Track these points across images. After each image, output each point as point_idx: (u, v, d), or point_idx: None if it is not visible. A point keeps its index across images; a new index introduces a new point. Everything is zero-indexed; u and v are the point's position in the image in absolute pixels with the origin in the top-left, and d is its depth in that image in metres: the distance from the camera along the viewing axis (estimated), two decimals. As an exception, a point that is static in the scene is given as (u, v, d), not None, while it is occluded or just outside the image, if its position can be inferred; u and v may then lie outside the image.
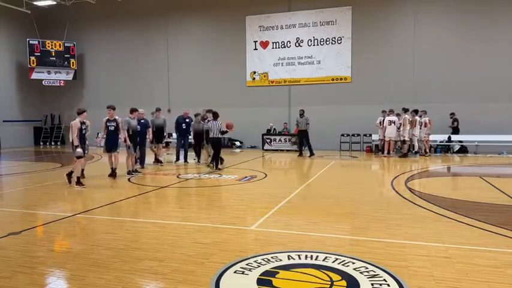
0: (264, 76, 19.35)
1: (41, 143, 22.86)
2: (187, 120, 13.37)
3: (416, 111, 14.96)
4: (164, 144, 14.06)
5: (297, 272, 3.88)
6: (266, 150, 17.88)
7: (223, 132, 11.64)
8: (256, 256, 4.30)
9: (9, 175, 11.68)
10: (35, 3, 20.84)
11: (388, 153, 15.09)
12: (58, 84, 22.13)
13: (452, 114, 16.05)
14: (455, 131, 16.06)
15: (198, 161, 13.15)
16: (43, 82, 21.82)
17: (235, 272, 3.90)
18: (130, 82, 21.34)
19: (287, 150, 17.38)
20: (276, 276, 3.78)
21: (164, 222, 5.82)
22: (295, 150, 16.51)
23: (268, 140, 18.11)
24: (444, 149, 16.30)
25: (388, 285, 3.57)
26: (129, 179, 9.99)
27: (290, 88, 19.10)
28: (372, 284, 3.58)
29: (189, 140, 13.65)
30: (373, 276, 3.76)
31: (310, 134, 15.46)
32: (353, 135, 17.70)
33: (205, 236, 5.10)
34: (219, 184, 9.43)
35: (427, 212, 6.26)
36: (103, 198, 7.75)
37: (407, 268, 3.95)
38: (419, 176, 10.61)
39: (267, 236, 5.15)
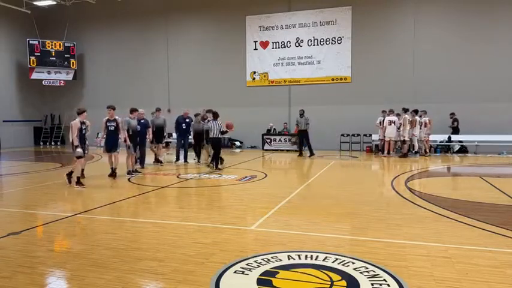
0: (264, 76, 19.35)
1: (41, 143, 22.86)
2: (187, 120, 13.37)
3: (416, 111, 14.97)
4: (164, 144, 14.05)
5: (297, 272, 3.88)
6: (266, 150, 17.88)
7: (223, 132, 11.64)
8: (256, 256, 4.29)
9: (9, 175, 11.68)
10: (35, 3, 20.84)
11: (388, 153, 15.09)
12: (58, 84, 22.14)
13: (452, 114, 16.05)
14: (455, 131, 16.07)
15: (198, 161, 13.15)
16: (43, 82, 21.82)
17: (235, 272, 3.90)
18: (130, 82, 21.34)
19: (287, 150, 17.37)
20: (276, 276, 3.78)
21: (164, 222, 5.82)
22: (295, 150, 16.51)
23: (268, 140, 18.11)
24: (444, 149, 16.30)
25: (388, 285, 3.57)
26: (129, 179, 9.99)
27: (290, 88, 19.10)
28: (372, 284, 3.58)
29: (189, 140, 13.65)
30: (373, 276, 3.76)
31: (310, 134, 15.46)
32: (353, 135, 17.70)
33: (205, 236, 5.10)
34: (219, 184, 9.43)
35: (427, 212, 6.26)
36: (103, 198, 7.75)
37: (407, 268, 3.95)
38: (419, 176, 10.61)
39: (267, 236, 5.15)
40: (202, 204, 7.44)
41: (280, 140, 17.94)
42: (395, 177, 9.96)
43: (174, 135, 14.72)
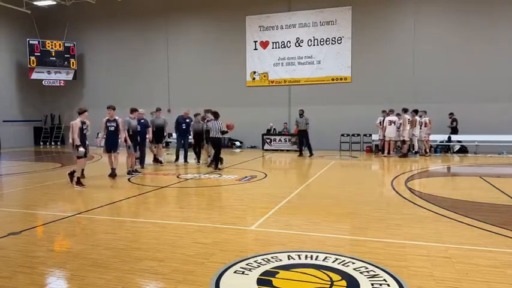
0: (264, 76, 19.35)
1: (41, 143, 22.85)
2: (187, 120, 13.37)
3: (416, 111, 14.96)
4: (164, 144, 14.05)
5: (297, 272, 3.88)
6: (266, 150, 17.88)
7: (223, 132, 11.65)
8: (256, 256, 4.30)
9: (9, 175, 11.68)
10: (35, 3, 20.84)
11: (388, 153, 15.09)
12: (58, 84, 22.14)
13: (451, 114, 16.06)
14: (454, 131, 16.07)
15: (198, 161, 13.14)
16: (43, 82, 21.82)
17: (235, 272, 3.90)
18: (130, 82, 21.35)
19: (287, 150, 17.37)
20: (276, 276, 3.78)
21: (164, 222, 5.82)
22: (295, 150, 16.51)
23: (268, 140, 18.11)
24: (444, 149, 16.30)
25: (388, 285, 3.57)
26: (129, 179, 9.99)
27: (290, 88, 19.10)
28: (372, 284, 3.58)
29: (189, 140, 13.65)
30: (373, 276, 3.76)
31: (310, 134, 15.47)
32: (353, 135, 17.70)
33: (205, 236, 5.10)
34: (219, 184, 9.43)
35: (427, 212, 6.26)
36: (103, 198, 7.76)
37: (407, 268, 3.95)
38: (419, 176, 10.61)
39: (267, 236, 5.15)
40: (202, 204, 7.44)
41: (280, 140, 17.94)
42: (395, 177, 9.96)
43: (174, 135, 14.72)
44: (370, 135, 17.05)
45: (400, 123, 14.76)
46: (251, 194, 8.11)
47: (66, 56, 21.81)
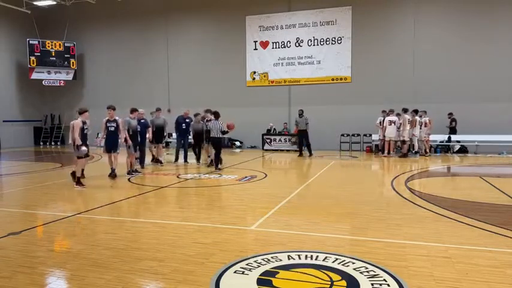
0: (264, 76, 19.35)
1: (41, 143, 22.85)
2: (187, 120, 13.36)
3: (416, 111, 14.96)
4: (164, 144, 14.04)
5: (297, 272, 3.88)
6: (266, 150, 17.88)
7: (224, 132, 11.65)
8: (256, 256, 4.29)
9: (9, 175, 11.68)
10: (35, 3, 20.84)
11: (388, 153, 15.08)
12: (58, 84, 22.14)
13: (450, 114, 16.05)
14: (453, 131, 16.07)
15: (198, 161, 13.14)
16: (43, 82, 21.82)
17: (235, 272, 3.90)
18: (130, 82, 21.35)
19: (287, 150, 17.37)
20: (276, 276, 3.78)
21: (164, 222, 5.82)
22: (295, 150, 16.51)
23: (268, 140, 18.11)
24: (444, 149, 16.30)
25: (388, 285, 3.57)
26: (129, 179, 9.99)
27: (290, 88, 19.10)
28: (372, 284, 3.58)
29: (189, 140, 13.64)
30: (373, 276, 3.76)
31: (310, 134, 15.47)
32: (353, 135, 17.70)
33: (205, 236, 5.10)
34: (219, 184, 9.43)
35: (427, 212, 6.26)
36: (103, 198, 7.75)
37: (407, 268, 3.95)
38: (419, 176, 10.61)
39: (267, 236, 5.15)
40: (202, 204, 7.44)
41: (280, 140, 17.94)
42: (395, 177, 9.96)
43: (174, 135, 14.72)
44: (370, 135, 17.05)
45: (400, 123, 14.76)
46: (251, 194, 8.11)
47: (66, 56, 21.81)
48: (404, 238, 4.92)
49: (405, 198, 7.38)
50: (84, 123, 8.96)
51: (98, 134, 14.02)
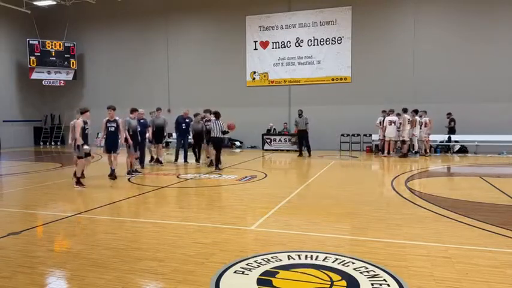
0: (264, 76, 19.35)
1: (41, 143, 22.85)
2: (187, 120, 13.36)
3: (416, 111, 14.97)
4: (164, 144, 14.04)
5: (297, 272, 3.88)
6: (266, 150, 17.88)
7: (224, 132, 11.66)
8: (256, 256, 4.29)
9: (9, 175, 11.68)
10: (35, 3, 20.84)
11: (388, 153, 15.08)
12: (58, 84, 22.14)
13: (449, 114, 16.05)
14: (452, 131, 16.06)
15: (198, 161, 13.14)
16: (43, 82, 21.82)
17: (235, 272, 3.90)
18: (130, 82, 21.35)
19: (287, 150, 17.38)
20: (276, 276, 3.78)
21: (164, 222, 5.82)
22: (295, 150, 16.51)
23: (268, 140, 18.11)
24: (444, 149, 16.30)
25: (388, 285, 3.57)
26: (129, 179, 9.99)
27: (290, 88, 19.10)
28: (372, 284, 3.58)
29: (189, 140, 13.64)
30: (373, 276, 3.76)
31: (310, 134, 15.48)
32: (353, 135, 17.71)
33: (205, 236, 5.10)
34: (219, 184, 9.43)
35: (427, 212, 6.26)
36: (103, 198, 7.75)
37: (407, 268, 3.95)
38: (419, 176, 10.61)
39: (267, 236, 5.15)
40: (202, 204, 7.44)
41: (280, 140, 17.94)
42: (395, 177, 9.96)
43: (174, 135, 14.72)
44: (370, 135, 17.05)
45: (400, 123, 14.76)
46: (251, 194, 8.11)
47: (66, 56, 21.81)
48: (404, 238, 4.92)
49: (405, 198, 7.38)
50: (85, 123, 8.95)
51: (97, 134, 14.02)
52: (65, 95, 22.83)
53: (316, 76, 18.59)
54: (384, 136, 15.20)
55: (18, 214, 6.65)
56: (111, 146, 9.92)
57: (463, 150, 16.09)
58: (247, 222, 5.92)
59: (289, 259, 4.20)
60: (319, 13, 18.38)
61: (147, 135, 11.84)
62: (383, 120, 15.19)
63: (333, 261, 4.11)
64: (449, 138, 16.15)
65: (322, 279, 3.70)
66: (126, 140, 10.33)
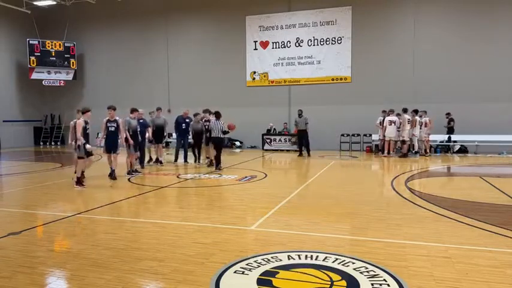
0: (264, 76, 19.35)
1: (41, 143, 22.85)
2: (187, 120, 13.35)
3: (416, 111, 14.97)
4: (164, 144, 14.04)
5: (297, 272, 3.88)
6: (266, 150, 17.88)
7: (225, 132, 11.67)
8: (256, 256, 4.30)
9: (9, 175, 11.68)
10: (35, 3, 20.84)
11: (388, 153, 15.08)
12: (58, 84, 22.14)
13: (448, 114, 16.04)
14: (451, 131, 16.06)
15: (198, 161, 13.14)
16: (43, 82, 21.82)
17: (235, 272, 3.90)
18: (130, 82, 21.34)
19: (287, 150, 17.38)
20: (276, 276, 3.78)
21: (164, 222, 5.82)
22: (295, 150, 16.51)
23: (268, 140, 18.11)
24: (444, 149, 16.30)
25: (388, 285, 3.57)
26: (129, 179, 9.99)
27: (290, 88, 19.10)
28: (372, 284, 3.58)
29: (189, 140, 13.63)
30: (373, 276, 3.76)
31: (310, 134, 15.48)
32: (353, 135, 17.70)
33: (205, 236, 5.10)
34: (219, 184, 9.43)
35: (427, 212, 6.26)
36: (103, 198, 7.75)
37: (407, 268, 3.95)
38: (419, 176, 10.61)
39: (267, 236, 5.15)
40: (202, 204, 7.44)
41: (280, 140, 17.94)
42: (395, 177, 9.96)
43: (174, 135, 14.72)
44: (370, 135, 17.05)
45: (400, 123, 14.76)
46: (251, 194, 8.11)
47: (66, 56, 21.81)
48: (404, 238, 4.92)
49: (405, 198, 7.38)
50: (86, 123, 8.95)
51: (97, 134, 14.01)
52: (65, 95, 22.83)
53: (316, 76, 18.58)
54: (384, 136, 15.20)
55: (18, 214, 6.65)
56: (111, 146, 9.91)
57: (463, 150, 16.09)
58: (247, 222, 5.92)
59: (289, 259, 4.20)
60: (319, 13, 18.38)
61: (147, 135, 11.83)
62: (383, 120, 15.19)
63: (333, 261, 4.11)
64: (449, 138, 16.15)
65: (322, 279, 3.70)
66: (126, 140, 10.33)
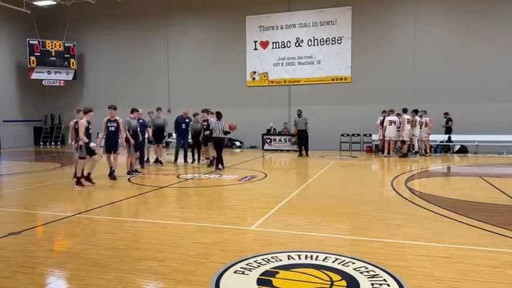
0: (264, 76, 19.35)
1: (41, 143, 22.85)
2: (186, 120, 13.34)
3: (416, 111, 14.97)
4: (164, 144, 14.04)
5: (297, 272, 3.88)
6: (266, 150, 17.88)
7: (226, 133, 11.67)
8: (256, 256, 4.29)
9: (9, 175, 11.68)
10: (35, 3, 20.84)
11: (388, 153, 15.08)
12: (58, 84, 22.14)
13: (446, 113, 16.03)
14: (449, 130, 16.06)
15: (198, 161, 13.14)
16: (43, 82, 21.82)
17: (235, 272, 3.90)
18: (130, 82, 21.35)
19: (287, 150, 17.38)
20: (276, 276, 3.78)
21: (164, 222, 5.82)
22: (295, 150, 16.51)
23: (268, 140, 18.11)
24: (444, 149, 16.30)
25: (388, 285, 3.57)
26: (129, 179, 9.99)
27: (290, 88, 19.10)
28: (372, 284, 3.58)
29: (189, 140, 13.63)
30: (373, 276, 3.76)
31: (310, 134, 15.48)
32: (353, 135, 17.70)
33: (205, 236, 5.10)
34: (219, 184, 9.43)
35: (427, 212, 6.26)
36: (103, 198, 7.75)
37: (407, 268, 3.95)
38: (419, 176, 10.61)
39: (267, 236, 5.15)
40: (202, 204, 7.44)
41: (280, 140, 17.95)
42: (395, 177, 9.96)
43: (174, 135, 14.71)
44: (370, 135, 17.04)
45: (401, 123, 14.76)
46: (251, 194, 8.11)
47: (66, 56, 21.81)
48: (404, 238, 4.92)
49: (405, 198, 7.38)
50: (89, 122, 8.95)
51: (98, 133, 14.00)
52: (65, 95, 22.83)
53: (316, 76, 18.58)
54: (384, 136, 15.20)
55: (18, 214, 6.65)
56: (111, 146, 9.91)
57: (463, 150, 16.09)
58: (247, 222, 5.92)
59: (289, 259, 4.20)
60: (319, 13, 18.38)
61: (146, 135, 11.84)
62: (383, 120, 15.19)
63: (333, 261, 4.11)
64: (449, 138, 16.14)
65: (322, 279, 3.70)
66: (127, 139, 10.33)
